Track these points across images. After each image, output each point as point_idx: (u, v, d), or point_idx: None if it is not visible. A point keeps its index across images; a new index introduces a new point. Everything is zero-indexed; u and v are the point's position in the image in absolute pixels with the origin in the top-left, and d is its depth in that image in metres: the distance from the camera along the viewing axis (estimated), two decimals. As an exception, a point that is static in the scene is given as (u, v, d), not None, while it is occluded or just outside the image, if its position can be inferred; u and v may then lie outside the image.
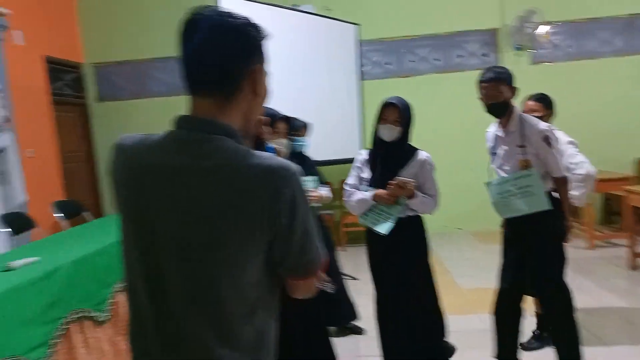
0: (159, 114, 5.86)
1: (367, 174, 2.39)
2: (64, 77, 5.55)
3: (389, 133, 2.29)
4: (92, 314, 2.33)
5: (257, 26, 0.91)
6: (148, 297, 0.90)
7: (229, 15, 0.88)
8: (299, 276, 0.95)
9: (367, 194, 2.32)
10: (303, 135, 3.11)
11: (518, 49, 5.62)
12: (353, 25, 5.35)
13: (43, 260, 2.25)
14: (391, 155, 2.33)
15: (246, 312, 0.88)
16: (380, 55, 5.81)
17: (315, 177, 2.86)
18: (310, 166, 2.92)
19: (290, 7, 4.86)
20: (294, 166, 0.88)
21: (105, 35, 5.84)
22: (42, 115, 5.02)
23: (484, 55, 5.73)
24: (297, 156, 2.88)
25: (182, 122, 0.91)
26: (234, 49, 0.87)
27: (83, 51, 5.87)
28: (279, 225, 0.86)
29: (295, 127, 2.99)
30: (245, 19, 0.89)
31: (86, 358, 2.25)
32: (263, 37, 0.92)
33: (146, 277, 0.90)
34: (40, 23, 5.03)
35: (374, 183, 2.34)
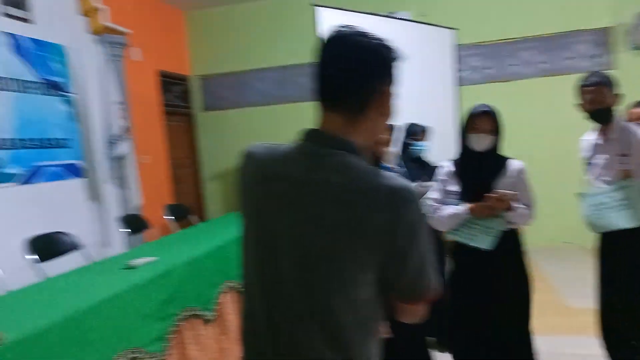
0: (259, 122, 6.14)
1: (454, 186, 2.27)
2: (173, 89, 6.01)
3: (482, 142, 2.18)
4: (201, 313, 2.48)
5: (391, 47, 0.92)
6: (263, 299, 0.94)
7: (366, 35, 0.91)
8: (409, 301, 0.94)
9: (459, 208, 2.18)
10: (422, 140, 3.04)
11: (636, 49, 5.13)
12: (450, 29, 5.21)
13: (159, 260, 2.43)
14: (483, 166, 2.22)
15: (355, 325, 0.89)
16: (479, 59, 5.61)
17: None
18: (430, 171, 2.81)
19: (386, 14, 4.86)
20: (415, 190, 0.88)
21: (210, 49, 6.23)
22: (155, 125, 5.47)
23: (595, 56, 5.30)
24: (417, 161, 2.80)
25: (310, 136, 0.94)
26: (368, 69, 0.90)
27: (190, 65, 6.30)
28: (395, 247, 0.86)
29: (413, 132, 2.94)
30: (381, 39, 0.91)
31: (196, 354, 2.40)
32: (396, 59, 0.93)
33: (262, 280, 0.94)
34: (155, 40, 5.49)
35: (464, 196, 2.23)
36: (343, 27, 0.92)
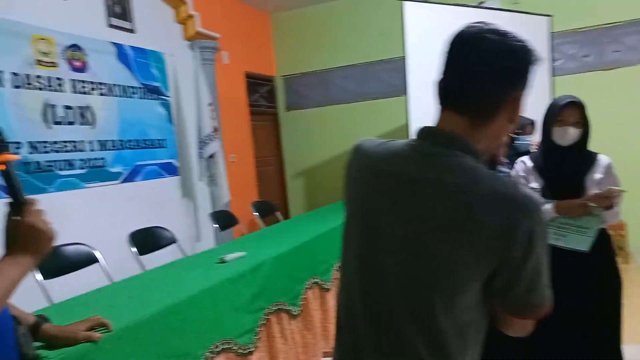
0: (341, 120, 6.17)
1: (536, 183, 2.13)
2: (259, 89, 6.20)
3: (569, 136, 2.04)
4: (288, 307, 2.54)
5: (532, 51, 0.86)
6: (362, 295, 0.93)
7: (505, 34, 0.85)
8: (517, 314, 0.88)
9: (545, 206, 2.04)
10: (530, 134, 2.89)
11: None
12: (544, 17, 4.89)
13: (248, 255, 2.52)
14: (568, 161, 2.07)
15: (455, 331, 0.86)
16: (576, 47, 5.21)
17: None
18: None
19: (476, 5, 4.67)
20: (538, 199, 0.83)
21: (293, 50, 6.36)
22: (242, 125, 5.68)
23: None
24: (524, 155, 2.69)
25: (426, 134, 0.91)
26: (505, 73, 0.84)
27: (275, 65, 6.47)
28: (509, 257, 0.81)
29: (521, 125, 2.81)
30: (523, 42, 0.85)
31: (282, 347, 2.46)
32: (534, 63, 0.87)
33: (363, 276, 0.93)
34: (242, 43, 5.71)
35: (546, 193, 2.08)
36: (478, 23, 0.86)
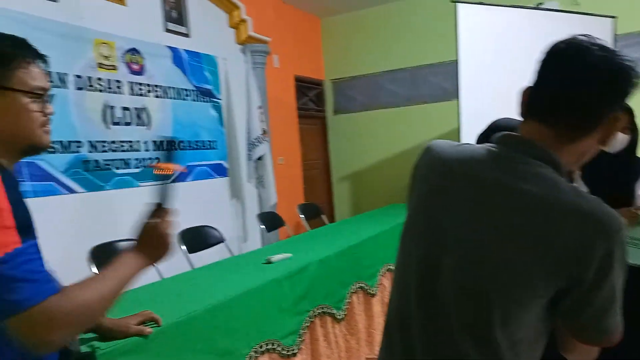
0: (388, 124, 6.11)
1: None
2: (308, 93, 6.25)
3: (617, 142, 1.93)
4: (332, 311, 2.53)
5: (635, 70, 0.81)
6: (418, 295, 0.90)
7: (615, 53, 0.81)
8: (583, 339, 0.83)
9: None
10: None
11: None
12: (607, 18, 4.65)
13: (294, 256, 2.53)
14: (617, 168, 1.95)
15: (508, 346, 0.81)
16: (642, 50, 4.92)
17: None
18: None
19: (534, 6, 4.51)
20: (621, 220, 0.78)
21: (342, 53, 6.36)
22: (290, 128, 5.74)
23: None
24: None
25: (506, 140, 0.87)
26: (609, 90, 0.80)
27: (324, 69, 6.50)
28: (582, 278, 0.76)
29: None
30: (630, 60, 0.80)
31: (325, 351, 2.45)
32: (636, 84, 0.82)
33: (420, 274, 0.90)
34: (292, 47, 5.77)
35: None
36: (582, 36, 0.82)
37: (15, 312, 0.83)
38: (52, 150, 3.09)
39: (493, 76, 3.96)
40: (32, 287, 0.84)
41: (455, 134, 4.35)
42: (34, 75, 0.99)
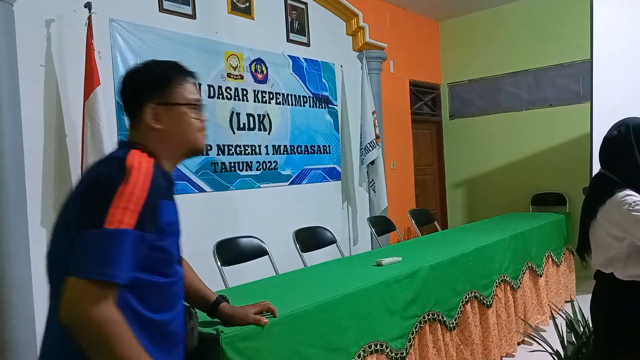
0: (508, 129, 5.80)
1: None
2: (423, 97, 6.16)
3: None
4: (443, 318, 2.48)
5: None
6: None
7: None
8: None
9: None
10: None
11: None
12: None
13: (404, 260, 2.53)
14: None
15: None
16: None
17: None
18: None
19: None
20: None
21: (460, 56, 6.18)
22: (404, 133, 5.71)
23: None
24: None
25: None
26: None
27: (441, 73, 6.36)
28: None
29: None
30: None
31: (435, 358, 2.41)
32: None
33: None
34: (408, 52, 5.74)
35: None
36: None
37: (79, 274, 0.94)
38: (208, 151, 3.51)
39: (629, 77, 3.59)
40: (108, 266, 0.94)
41: (586, 139, 4.00)
42: (190, 90, 1.20)
